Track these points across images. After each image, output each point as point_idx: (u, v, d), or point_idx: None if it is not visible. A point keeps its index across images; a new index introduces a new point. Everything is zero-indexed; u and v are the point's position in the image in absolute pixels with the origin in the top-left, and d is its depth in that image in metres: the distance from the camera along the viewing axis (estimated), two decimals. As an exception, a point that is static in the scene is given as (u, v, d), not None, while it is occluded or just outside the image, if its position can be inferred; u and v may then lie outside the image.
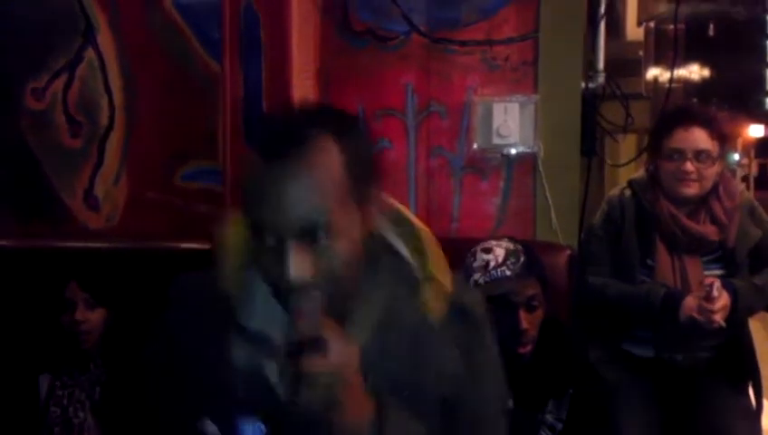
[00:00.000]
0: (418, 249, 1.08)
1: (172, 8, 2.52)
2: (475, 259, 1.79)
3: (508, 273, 1.74)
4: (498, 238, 1.85)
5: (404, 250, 1.07)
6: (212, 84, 2.48)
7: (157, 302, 1.16)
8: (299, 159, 0.94)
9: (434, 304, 1.05)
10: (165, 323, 1.11)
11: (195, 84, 2.52)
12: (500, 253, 1.77)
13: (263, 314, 1.00)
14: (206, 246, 1.13)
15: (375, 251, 1.04)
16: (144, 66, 2.57)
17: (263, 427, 1.00)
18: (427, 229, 1.11)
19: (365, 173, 1.00)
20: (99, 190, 2.64)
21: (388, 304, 1.03)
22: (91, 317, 2.00)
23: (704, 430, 2.08)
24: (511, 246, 1.79)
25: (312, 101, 0.97)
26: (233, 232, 1.06)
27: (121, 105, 2.60)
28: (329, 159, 0.95)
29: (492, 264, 1.76)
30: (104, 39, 2.60)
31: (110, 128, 2.62)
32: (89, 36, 2.60)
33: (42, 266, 2.25)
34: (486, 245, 1.81)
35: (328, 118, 1.01)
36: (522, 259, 1.76)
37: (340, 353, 0.92)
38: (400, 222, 1.09)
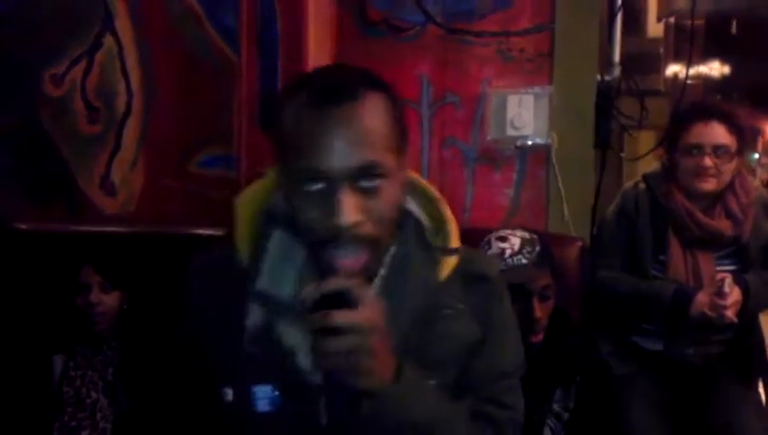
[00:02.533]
0: (435, 217, 1.12)
1: (190, -4, 2.55)
2: (490, 247, 1.79)
3: (524, 261, 1.75)
4: (512, 228, 1.86)
5: (422, 215, 1.11)
6: (228, 73, 2.50)
7: (170, 286, 1.19)
8: (353, 107, 0.98)
9: (447, 270, 1.08)
10: (186, 295, 1.14)
11: (211, 72, 2.53)
12: (516, 242, 1.78)
13: (271, 276, 1.03)
14: (220, 232, 1.15)
15: (402, 212, 1.07)
16: (162, 53, 2.59)
17: (275, 392, 1.02)
18: (443, 199, 1.15)
19: (404, 132, 1.05)
20: (116, 176, 2.67)
21: (401, 264, 1.06)
22: (106, 300, 2.02)
23: (714, 423, 2.08)
24: (526, 235, 1.80)
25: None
26: (246, 203, 1.10)
27: (139, 92, 2.63)
28: (379, 111, 1.00)
29: (508, 252, 1.76)
30: (123, 26, 2.62)
31: (127, 114, 2.65)
32: (107, 23, 2.62)
33: (58, 249, 2.28)
34: (501, 234, 1.81)
35: (376, 79, 1.05)
36: (537, 248, 1.77)
37: (370, 309, 0.92)
38: (417, 189, 1.13)
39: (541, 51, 2.31)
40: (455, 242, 1.11)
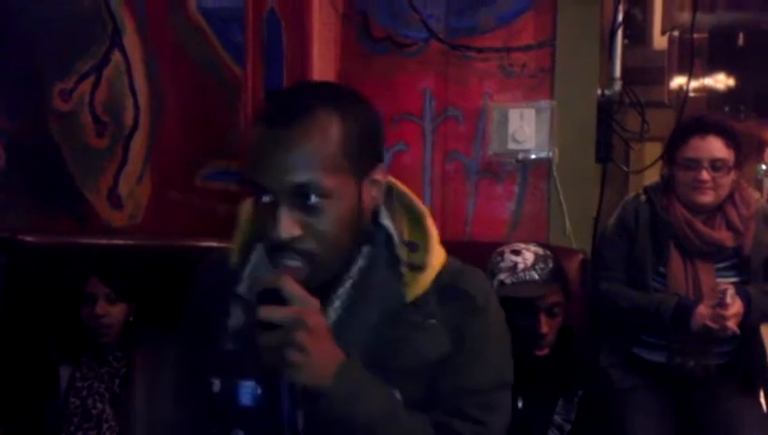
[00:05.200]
0: (416, 232, 1.13)
1: (197, 13, 2.58)
2: (502, 259, 1.81)
3: (536, 277, 1.76)
4: (527, 243, 1.87)
5: (394, 230, 1.11)
6: (234, 88, 2.53)
7: (175, 298, 1.24)
8: (298, 124, 1.01)
9: (416, 286, 1.09)
10: (189, 291, 1.21)
11: (217, 87, 2.57)
12: (529, 257, 1.79)
13: (249, 281, 1.09)
14: (225, 245, 1.20)
15: (368, 228, 1.09)
16: (169, 69, 2.63)
17: (257, 389, 1.06)
18: (428, 212, 1.16)
19: (365, 150, 1.06)
20: (123, 189, 2.71)
21: (366, 279, 1.08)
22: (112, 311, 2.04)
23: (715, 435, 2.09)
24: (540, 250, 1.82)
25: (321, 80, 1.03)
26: (245, 212, 1.15)
27: (146, 106, 2.67)
28: (327, 128, 1.01)
29: (520, 266, 1.78)
30: (130, 42, 2.66)
31: (134, 128, 2.68)
32: (116, 39, 2.67)
33: (64, 261, 2.31)
34: (515, 247, 1.83)
35: (332, 93, 1.07)
36: (550, 265, 1.79)
37: (301, 306, 0.96)
38: (403, 202, 1.15)
39: (542, 66, 2.33)
40: (435, 257, 1.12)
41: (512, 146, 2.34)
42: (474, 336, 1.10)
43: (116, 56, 2.67)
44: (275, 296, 0.96)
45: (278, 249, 1.01)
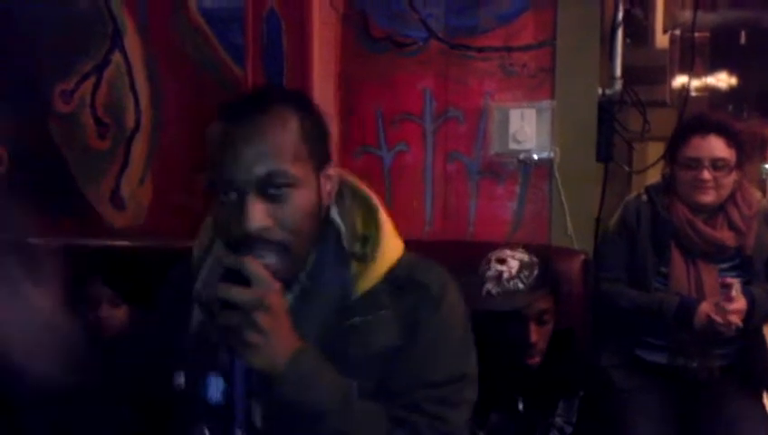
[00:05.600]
0: (370, 223, 1.15)
1: (197, 13, 2.59)
2: (489, 268, 1.80)
3: (521, 286, 1.75)
4: (513, 247, 1.85)
5: (346, 224, 1.14)
6: (235, 89, 2.53)
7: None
8: (257, 118, 1.05)
9: (366, 278, 1.11)
10: (157, 297, 1.26)
11: (218, 88, 2.57)
12: (514, 265, 1.78)
13: (206, 279, 1.11)
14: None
15: (322, 223, 1.12)
16: (170, 70, 2.64)
17: (226, 384, 1.06)
18: (381, 205, 1.18)
19: (321, 147, 1.11)
20: (125, 190, 2.71)
21: (317, 273, 1.10)
22: (115, 314, 2.05)
23: (718, 437, 2.08)
24: (525, 257, 1.80)
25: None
26: (207, 219, 1.19)
27: (147, 107, 2.67)
28: (287, 125, 1.07)
29: (505, 275, 1.77)
30: (131, 43, 2.67)
31: (136, 130, 2.69)
32: (116, 40, 2.68)
33: (68, 264, 2.31)
34: (501, 254, 1.81)
35: (288, 94, 1.13)
36: (535, 272, 1.77)
37: (261, 288, 0.97)
38: (357, 197, 1.17)
39: (543, 66, 2.33)
40: (387, 249, 1.13)
41: (513, 146, 2.34)
42: (429, 328, 1.11)
43: (116, 57, 2.68)
44: (238, 277, 0.97)
45: (247, 244, 1.02)
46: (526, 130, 2.32)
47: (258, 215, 1.02)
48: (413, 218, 2.40)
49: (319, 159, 1.10)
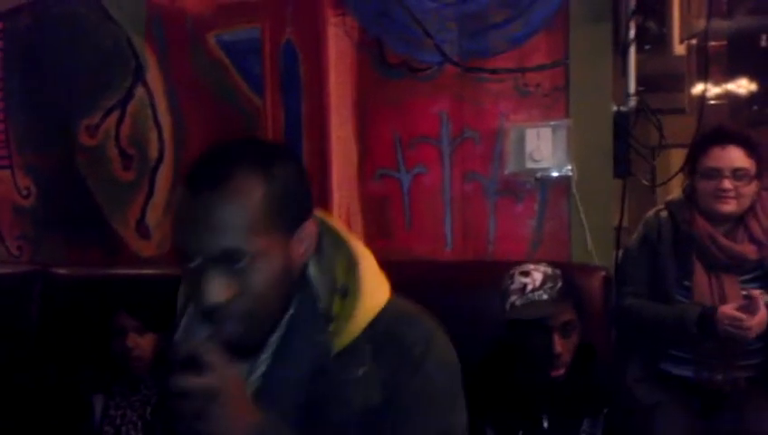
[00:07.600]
0: (351, 273, 1.08)
1: (216, 46, 2.65)
2: (512, 281, 1.82)
3: (545, 297, 1.77)
4: (536, 262, 1.88)
5: (322, 281, 1.08)
6: (255, 118, 2.59)
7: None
8: (219, 190, 0.99)
9: (344, 335, 1.04)
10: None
11: (238, 118, 2.63)
12: (538, 277, 1.80)
13: (184, 331, 1.07)
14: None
15: (296, 283, 1.06)
16: (191, 101, 2.70)
17: None
18: (369, 255, 1.11)
19: (292, 204, 1.03)
20: (150, 220, 2.77)
21: (291, 333, 1.05)
22: (141, 343, 2.08)
23: (745, 450, 2.07)
24: (549, 270, 1.82)
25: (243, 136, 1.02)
26: None
27: (170, 139, 2.74)
28: (249, 191, 0.99)
29: (529, 287, 1.79)
30: (153, 77, 2.74)
31: (159, 160, 2.75)
32: (139, 75, 2.75)
33: (95, 293, 2.36)
34: (524, 268, 1.83)
35: (254, 152, 1.04)
36: (559, 284, 1.79)
37: (217, 375, 0.93)
38: (337, 245, 1.10)
39: (557, 85, 2.35)
40: (367, 303, 1.05)
41: (530, 165, 2.34)
42: (408, 393, 1.02)
43: (139, 91, 2.75)
44: (195, 363, 0.93)
45: (210, 314, 0.98)
46: (542, 148, 2.33)
47: (215, 290, 0.97)
48: (433, 239, 2.41)
49: (289, 223, 1.03)
